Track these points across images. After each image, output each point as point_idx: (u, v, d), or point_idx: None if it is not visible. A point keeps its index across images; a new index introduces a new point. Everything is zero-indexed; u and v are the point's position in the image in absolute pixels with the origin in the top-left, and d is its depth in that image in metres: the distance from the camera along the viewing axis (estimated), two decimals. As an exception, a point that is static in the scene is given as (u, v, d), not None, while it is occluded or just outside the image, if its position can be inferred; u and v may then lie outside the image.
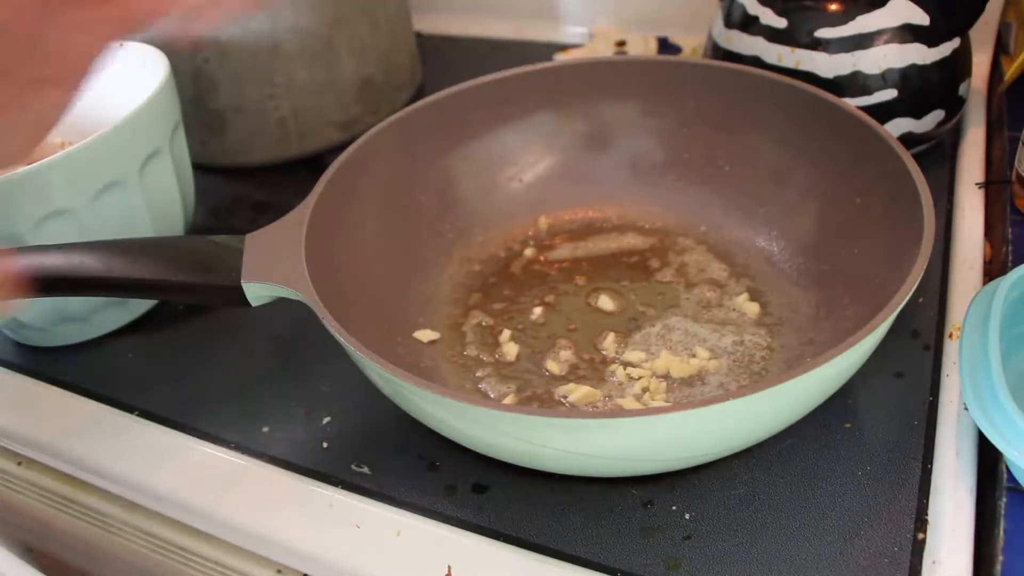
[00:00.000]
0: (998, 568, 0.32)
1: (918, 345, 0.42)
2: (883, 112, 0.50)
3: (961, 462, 0.36)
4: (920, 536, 0.34)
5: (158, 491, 0.40)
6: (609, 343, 0.43)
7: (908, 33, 0.49)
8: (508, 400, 0.41)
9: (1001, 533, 0.33)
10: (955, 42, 0.50)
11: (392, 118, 0.47)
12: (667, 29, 0.73)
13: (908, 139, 0.51)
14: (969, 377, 0.34)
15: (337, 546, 0.37)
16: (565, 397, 0.41)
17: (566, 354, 0.43)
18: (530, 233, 0.51)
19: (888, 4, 0.49)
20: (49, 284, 0.37)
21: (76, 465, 0.43)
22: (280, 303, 0.39)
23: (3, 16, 0.24)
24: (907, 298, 0.32)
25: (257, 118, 0.60)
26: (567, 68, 0.50)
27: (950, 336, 0.42)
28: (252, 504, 0.39)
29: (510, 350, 0.43)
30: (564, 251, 0.50)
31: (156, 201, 0.48)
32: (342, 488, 0.39)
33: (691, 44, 0.71)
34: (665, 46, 0.72)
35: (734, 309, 0.44)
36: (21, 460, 0.47)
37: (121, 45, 0.53)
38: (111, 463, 0.42)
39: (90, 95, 0.54)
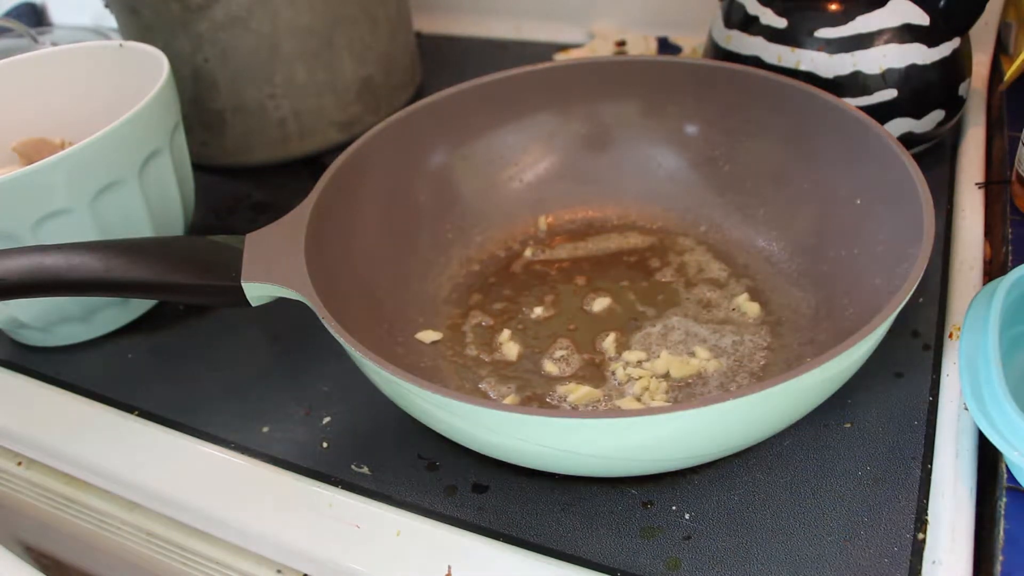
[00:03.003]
0: (998, 568, 0.32)
1: (918, 345, 0.42)
2: (883, 112, 0.50)
3: (961, 462, 0.36)
4: (920, 536, 0.34)
5: (158, 491, 0.40)
6: (609, 343, 0.43)
7: (908, 33, 0.49)
8: (508, 400, 0.41)
9: (1001, 533, 0.33)
10: (955, 42, 0.50)
11: (392, 118, 0.47)
12: (667, 29, 0.73)
13: (908, 139, 0.51)
14: (969, 377, 0.34)
15: (337, 546, 0.37)
16: (565, 397, 0.41)
17: (566, 354, 0.43)
18: (530, 233, 0.51)
19: (888, 4, 0.49)
20: (49, 284, 0.37)
21: (76, 465, 0.43)
22: (280, 303, 0.39)
23: None
24: (907, 298, 0.32)
25: (257, 118, 0.60)
26: (567, 68, 0.50)
27: (950, 336, 0.42)
28: (252, 504, 0.39)
29: (510, 350, 0.43)
30: (564, 251, 0.50)
31: (156, 201, 0.48)
32: (342, 488, 0.39)
33: (691, 44, 0.71)
34: (665, 46, 0.72)
35: (734, 309, 0.44)
36: (21, 460, 0.47)
37: (121, 45, 0.53)
38: (111, 463, 0.42)
39: (90, 95, 0.55)
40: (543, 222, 0.51)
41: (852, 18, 0.49)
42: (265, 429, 0.42)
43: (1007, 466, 0.35)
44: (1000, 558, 0.32)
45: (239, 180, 0.62)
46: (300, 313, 0.39)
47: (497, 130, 0.51)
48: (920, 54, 0.49)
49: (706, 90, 0.48)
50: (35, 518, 0.49)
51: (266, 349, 0.47)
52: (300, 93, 0.59)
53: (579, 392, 0.40)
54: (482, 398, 0.41)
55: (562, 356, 0.43)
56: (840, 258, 0.42)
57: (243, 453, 0.41)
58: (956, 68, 0.50)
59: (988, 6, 0.49)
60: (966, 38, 0.51)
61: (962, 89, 0.51)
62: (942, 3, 0.49)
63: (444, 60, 0.75)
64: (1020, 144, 0.46)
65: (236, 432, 0.42)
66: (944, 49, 0.49)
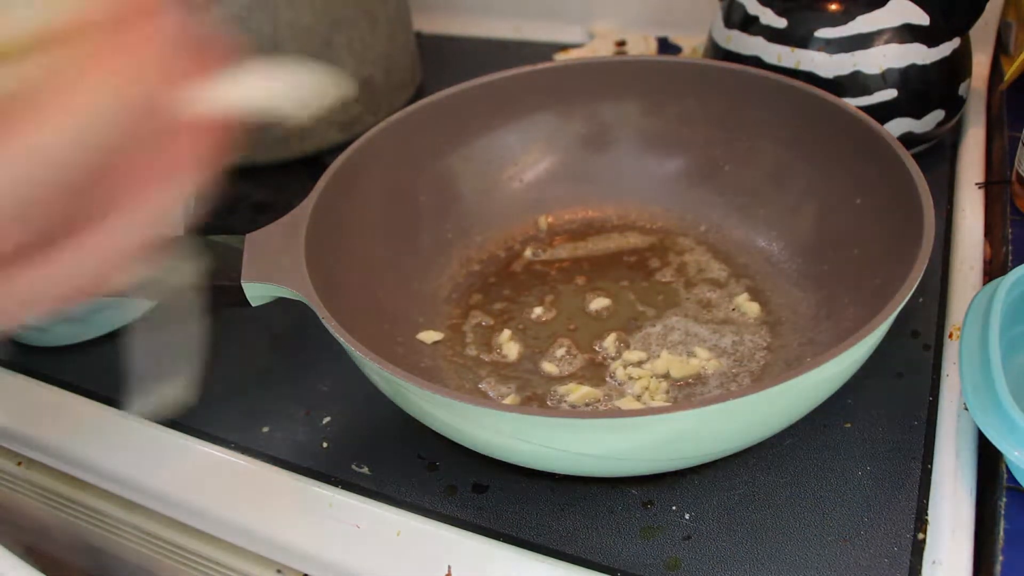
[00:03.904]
0: (998, 568, 0.32)
1: (918, 345, 0.42)
2: (883, 112, 0.50)
3: (961, 462, 0.36)
4: (920, 536, 0.34)
5: (158, 491, 0.40)
6: (609, 343, 0.43)
7: (908, 33, 0.49)
8: (508, 400, 0.41)
9: (1001, 533, 0.33)
10: (955, 42, 0.50)
11: (392, 118, 0.47)
12: (667, 29, 0.73)
13: (908, 139, 0.51)
14: (969, 377, 0.34)
15: (337, 546, 0.37)
16: (565, 397, 0.41)
17: (566, 354, 0.43)
18: (530, 233, 0.51)
19: (888, 4, 0.49)
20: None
21: (76, 465, 0.43)
22: (280, 303, 0.39)
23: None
24: (907, 298, 0.32)
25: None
26: (567, 68, 0.50)
27: (950, 336, 0.42)
28: (252, 504, 0.39)
29: (510, 350, 0.43)
30: (564, 251, 0.50)
31: (156, 201, 0.48)
32: (342, 488, 0.39)
33: (691, 44, 0.71)
34: (665, 46, 0.72)
35: (734, 309, 0.44)
36: (21, 460, 0.47)
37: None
38: (111, 463, 0.42)
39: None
40: (543, 222, 0.51)
41: (852, 18, 0.49)
42: (265, 429, 0.42)
43: (1007, 466, 0.35)
44: (1000, 558, 0.32)
45: (239, 180, 0.62)
46: (300, 313, 0.39)
47: (497, 130, 0.51)
48: (920, 54, 0.49)
49: (706, 90, 0.48)
50: (35, 518, 0.49)
51: (266, 349, 0.47)
52: (300, 93, 0.59)
53: (579, 392, 0.40)
54: (482, 398, 0.41)
55: (562, 356, 0.43)
56: (840, 258, 0.42)
57: (243, 453, 0.41)
58: (956, 68, 0.50)
59: (988, 6, 0.49)
60: (966, 38, 0.51)
61: (962, 89, 0.51)
62: (942, 3, 0.49)
63: (444, 60, 0.75)
64: (1020, 144, 0.46)
65: (236, 432, 0.42)
66: (944, 49, 0.49)
